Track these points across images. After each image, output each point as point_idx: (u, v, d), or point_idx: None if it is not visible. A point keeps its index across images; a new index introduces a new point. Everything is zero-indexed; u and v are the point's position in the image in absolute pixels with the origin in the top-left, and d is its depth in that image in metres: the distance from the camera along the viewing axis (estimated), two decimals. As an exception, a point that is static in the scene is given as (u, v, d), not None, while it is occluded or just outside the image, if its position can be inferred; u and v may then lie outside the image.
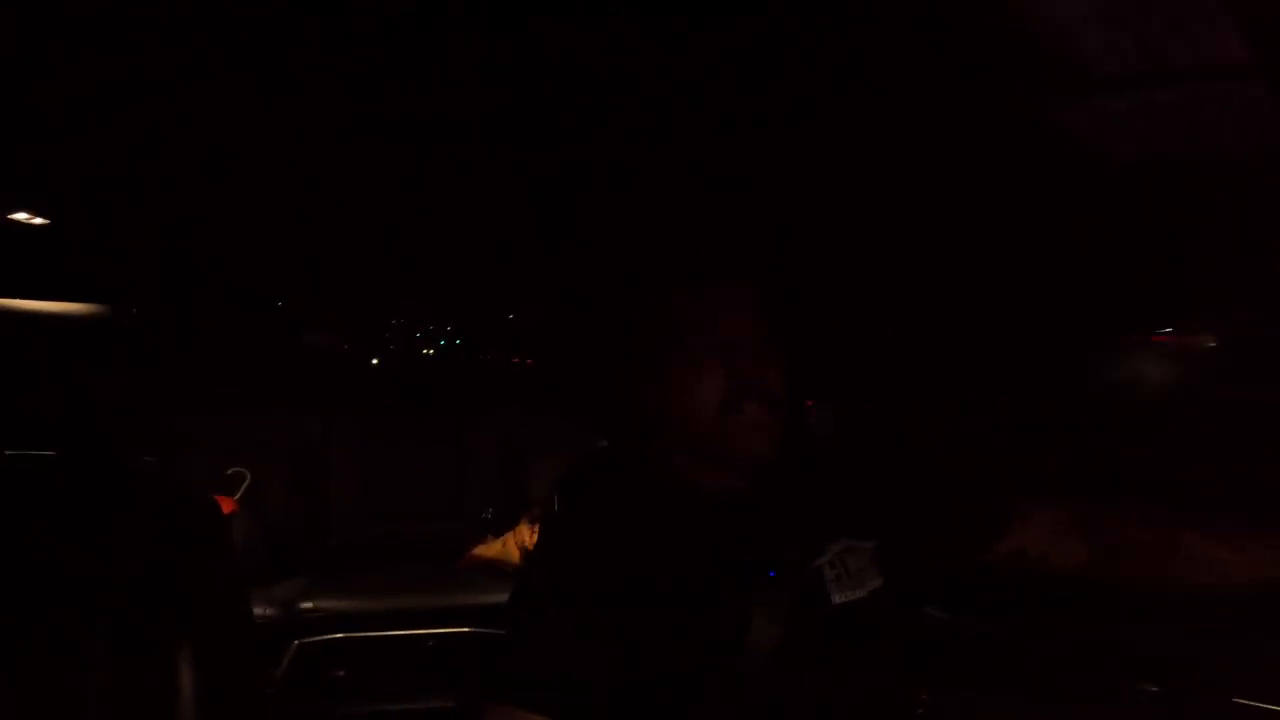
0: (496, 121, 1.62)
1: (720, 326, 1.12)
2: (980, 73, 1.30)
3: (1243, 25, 1.03)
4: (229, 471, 3.28)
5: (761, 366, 1.11)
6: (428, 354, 6.83)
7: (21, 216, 2.50)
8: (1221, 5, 1.01)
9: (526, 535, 3.10)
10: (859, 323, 2.19)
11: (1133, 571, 1.13)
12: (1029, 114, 1.32)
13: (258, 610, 2.75)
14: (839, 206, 1.96)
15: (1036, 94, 1.27)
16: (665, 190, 1.97)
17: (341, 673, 2.80)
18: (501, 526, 3.31)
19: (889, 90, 1.43)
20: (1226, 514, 1.10)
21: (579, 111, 1.58)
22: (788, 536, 1.13)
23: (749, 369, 1.10)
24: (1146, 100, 1.24)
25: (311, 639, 2.81)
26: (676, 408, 1.14)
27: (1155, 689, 1.38)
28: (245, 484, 3.28)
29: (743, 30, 1.27)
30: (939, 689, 1.45)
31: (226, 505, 3.03)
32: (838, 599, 1.12)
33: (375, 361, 5.82)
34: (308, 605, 2.88)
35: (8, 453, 1.62)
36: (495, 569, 3.03)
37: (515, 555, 3.07)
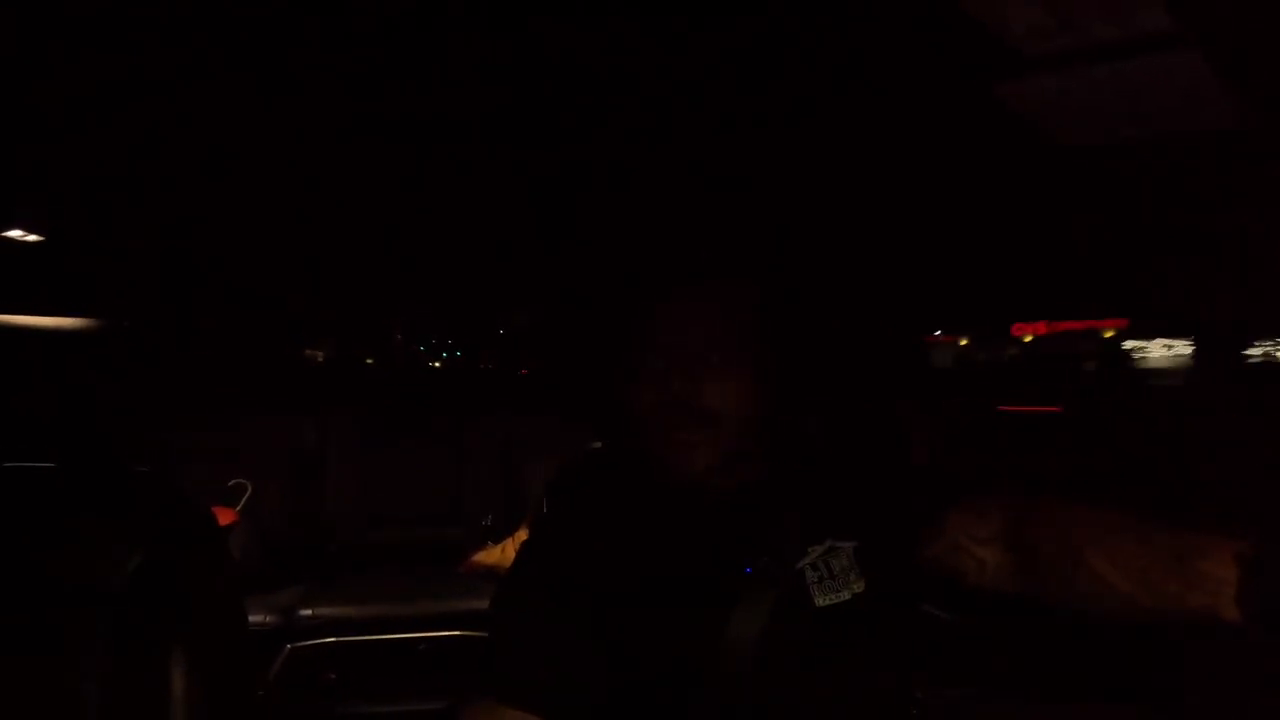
0: (494, 122, 1.63)
1: (665, 341, 1.11)
2: (939, 63, 1.30)
3: None
4: (231, 483, 3.29)
5: (700, 383, 1.09)
6: (434, 366, 6.97)
7: (16, 234, 2.50)
8: None
9: (526, 541, 3.10)
10: (857, 323, 2.20)
11: (1043, 588, 1.04)
12: (997, 103, 1.32)
13: (257, 617, 2.75)
14: (824, 207, 1.97)
15: (990, 80, 1.27)
16: (640, 196, 1.98)
17: (332, 675, 2.80)
18: (501, 532, 3.31)
19: (856, 90, 1.44)
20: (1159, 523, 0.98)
21: (575, 114, 1.59)
22: (771, 536, 1.13)
23: (682, 386, 1.09)
24: (1085, 79, 1.23)
25: (303, 643, 2.82)
26: (630, 415, 1.14)
27: (1153, 684, 1.37)
28: (247, 495, 3.28)
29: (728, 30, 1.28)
30: (934, 687, 1.45)
31: (228, 516, 3.03)
32: (821, 602, 1.11)
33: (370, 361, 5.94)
34: (307, 612, 2.89)
35: (6, 465, 1.62)
36: (495, 575, 3.03)
37: (515, 561, 3.06)
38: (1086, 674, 1.50)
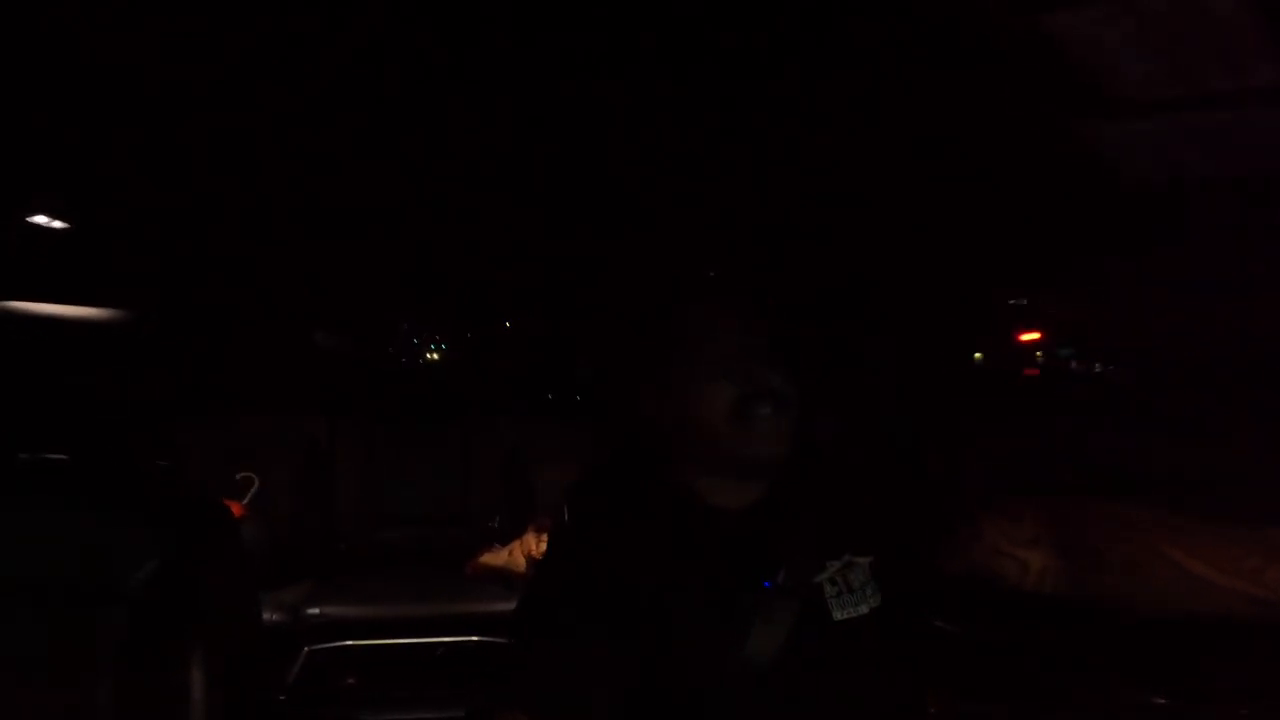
0: (508, 131, 1.63)
1: (734, 334, 1.14)
2: (1019, 95, 1.30)
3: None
4: (238, 476, 3.29)
5: (778, 375, 1.13)
6: (432, 359, 7.05)
7: (41, 220, 2.50)
8: (1257, 30, 1.00)
9: (533, 544, 3.10)
10: (865, 331, 2.21)
11: (1109, 589, 1.01)
12: (1061, 136, 1.32)
13: (266, 615, 2.76)
14: (843, 218, 1.97)
15: (1073, 117, 1.27)
16: (679, 205, 1.98)
17: (351, 680, 2.81)
18: (508, 535, 3.31)
19: (913, 106, 1.44)
20: (1206, 518, 0.97)
21: (592, 123, 1.59)
22: (790, 551, 1.14)
23: (762, 374, 1.12)
24: (1183, 124, 1.23)
25: (321, 645, 2.82)
26: (690, 415, 1.14)
27: (1163, 701, 1.37)
28: (254, 489, 3.28)
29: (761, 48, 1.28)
30: (948, 700, 1.45)
31: (235, 510, 3.03)
32: (839, 615, 1.11)
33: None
34: (314, 611, 2.89)
35: (21, 456, 1.63)
36: (502, 577, 3.04)
37: (521, 564, 3.07)
38: (1096, 686, 1.51)
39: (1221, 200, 1.52)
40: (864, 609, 1.12)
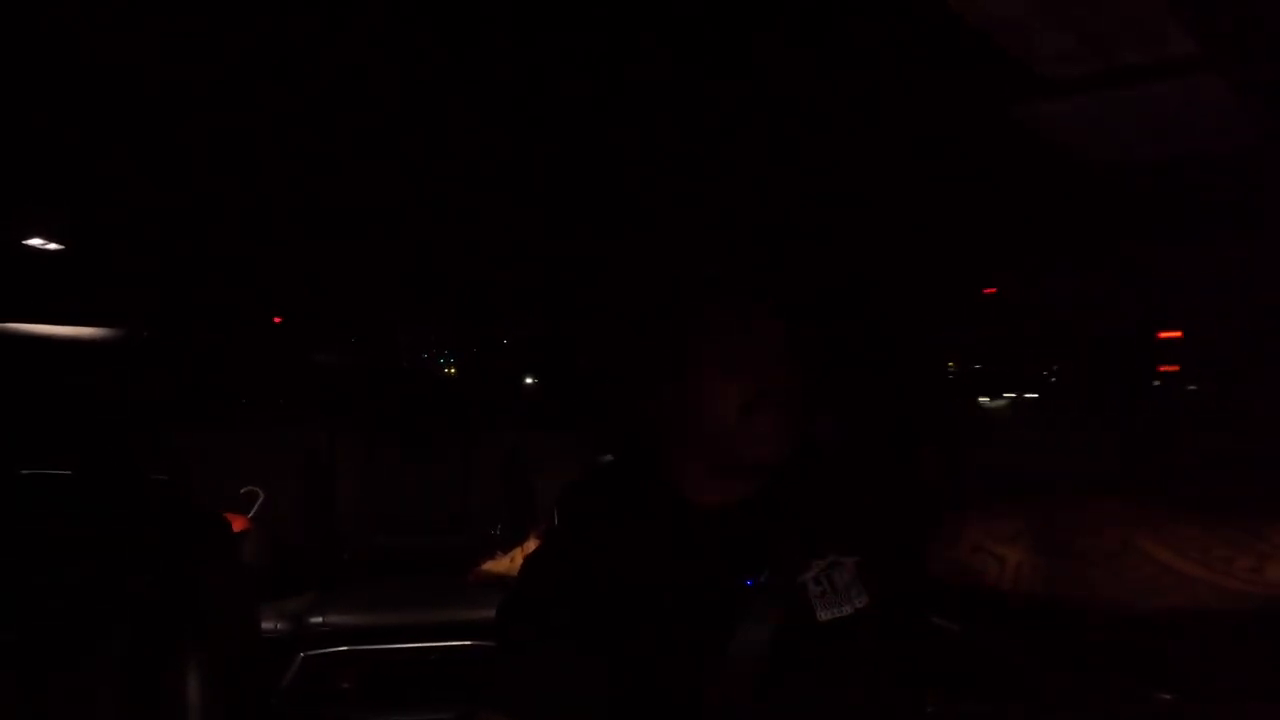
0: (512, 128, 1.64)
1: (748, 334, 1.15)
2: (944, 76, 1.30)
3: (1189, 21, 1.01)
4: (243, 490, 3.32)
5: (784, 374, 1.13)
6: (450, 373, 7.14)
7: (36, 242, 2.51)
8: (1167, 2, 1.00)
9: (535, 550, 3.11)
10: (866, 331, 2.21)
11: (1082, 586, 1.00)
12: (1000, 118, 1.32)
13: (269, 624, 2.77)
14: (841, 215, 1.98)
15: (1001, 98, 1.27)
16: (693, 204, 1.98)
17: (346, 685, 2.82)
18: (509, 542, 3.33)
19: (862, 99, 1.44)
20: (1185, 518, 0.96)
21: (592, 123, 1.59)
22: (776, 550, 1.14)
23: (773, 375, 1.13)
24: (1104, 100, 1.23)
25: (316, 651, 2.83)
26: (696, 412, 1.15)
27: (1168, 697, 1.37)
28: (258, 502, 3.31)
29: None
30: (945, 697, 1.45)
31: (240, 523, 3.05)
32: (823, 616, 1.12)
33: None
34: (317, 619, 2.90)
35: (24, 472, 1.64)
36: (503, 583, 3.05)
37: (523, 570, 3.08)
38: (1097, 682, 1.50)
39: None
40: (847, 610, 1.12)
